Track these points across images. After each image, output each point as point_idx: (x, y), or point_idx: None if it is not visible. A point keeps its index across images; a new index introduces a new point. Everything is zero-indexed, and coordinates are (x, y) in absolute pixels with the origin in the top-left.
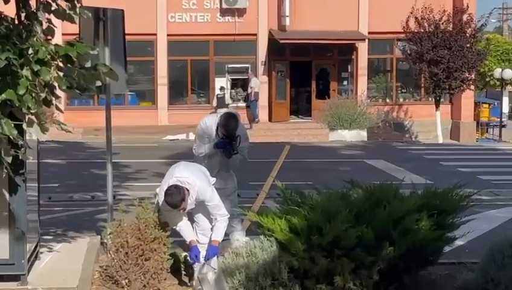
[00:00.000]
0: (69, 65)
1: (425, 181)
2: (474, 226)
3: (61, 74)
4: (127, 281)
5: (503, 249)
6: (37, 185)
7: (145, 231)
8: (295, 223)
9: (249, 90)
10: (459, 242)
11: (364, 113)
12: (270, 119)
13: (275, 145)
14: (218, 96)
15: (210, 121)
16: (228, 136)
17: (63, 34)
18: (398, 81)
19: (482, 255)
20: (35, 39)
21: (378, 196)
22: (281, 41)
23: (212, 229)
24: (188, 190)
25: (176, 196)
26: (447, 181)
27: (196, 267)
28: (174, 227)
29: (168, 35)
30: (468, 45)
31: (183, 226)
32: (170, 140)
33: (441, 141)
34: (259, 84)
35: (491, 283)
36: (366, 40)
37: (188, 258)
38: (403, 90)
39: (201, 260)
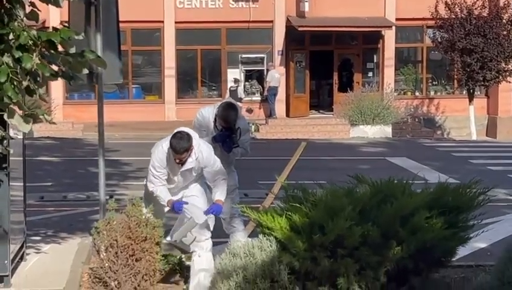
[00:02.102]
0: (52, 51)
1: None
2: (499, 228)
3: (45, 61)
4: (116, 283)
5: None
6: (22, 184)
7: (135, 229)
8: (296, 221)
9: (265, 84)
10: (481, 245)
11: (389, 108)
12: (287, 115)
13: (291, 142)
14: (231, 89)
15: (207, 113)
16: (227, 129)
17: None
18: (428, 73)
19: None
20: (16, 24)
21: (385, 193)
22: (300, 29)
23: (213, 190)
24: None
25: (184, 142)
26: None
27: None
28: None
29: (176, 22)
30: (504, 33)
31: (161, 189)
32: None
33: (474, 137)
34: (277, 77)
35: (507, 285)
36: (393, 28)
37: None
38: (434, 83)
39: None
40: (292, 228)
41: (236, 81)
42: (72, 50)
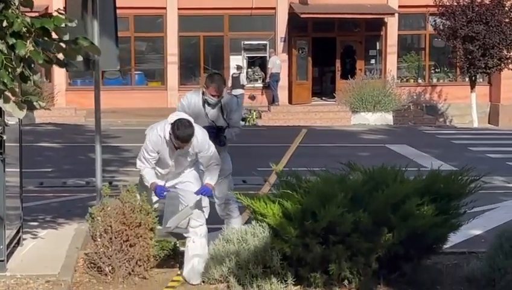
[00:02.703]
0: (46, 38)
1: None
2: (494, 215)
3: (39, 48)
4: (110, 268)
5: (511, 237)
6: (19, 170)
7: (130, 215)
8: (288, 207)
9: (267, 70)
10: (475, 232)
11: (390, 95)
12: (290, 101)
13: (291, 129)
14: (233, 75)
15: (193, 97)
16: (216, 127)
17: None
18: (431, 60)
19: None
20: (10, 11)
21: (377, 180)
22: (302, 16)
23: (205, 174)
24: None
25: (190, 129)
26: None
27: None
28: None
29: (178, 9)
30: (507, 20)
31: (148, 170)
32: None
33: (476, 125)
34: (278, 63)
35: (497, 272)
36: (396, 15)
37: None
38: (437, 70)
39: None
40: (284, 215)
41: (238, 68)
42: (66, 37)
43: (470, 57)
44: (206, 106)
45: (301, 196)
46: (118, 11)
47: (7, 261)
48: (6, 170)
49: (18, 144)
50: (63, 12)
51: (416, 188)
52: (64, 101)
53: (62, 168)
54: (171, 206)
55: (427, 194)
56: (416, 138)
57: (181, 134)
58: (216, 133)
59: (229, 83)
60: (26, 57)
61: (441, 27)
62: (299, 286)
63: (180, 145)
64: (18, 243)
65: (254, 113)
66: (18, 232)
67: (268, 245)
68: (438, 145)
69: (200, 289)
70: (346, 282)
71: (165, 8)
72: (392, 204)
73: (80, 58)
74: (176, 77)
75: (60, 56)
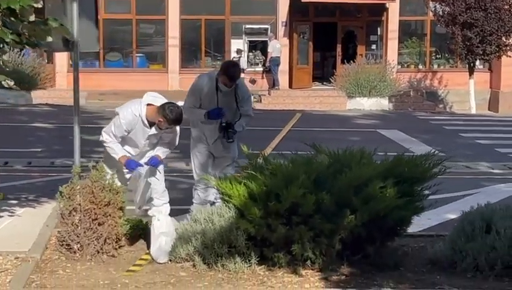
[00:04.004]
0: (12, 19)
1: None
2: (473, 200)
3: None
4: (79, 246)
5: (474, 220)
6: None
7: (99, 194)
8: (253, 188)
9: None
10: (451, 216)
11: (386, 80)
12: (290, 86)
13: (286, 113)
14: (234, 59)
15: (207, 81)
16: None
17: None
18: (432, 46)
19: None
20: None
21: (342, 162)
22: (303, 1)
23: (156, 148)
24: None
25: (180, 114)
26: (459, 153)
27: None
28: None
29: None
30: (506, 7)
31: (116, 144)
32: (181, 106)
33: (474, 111)
34: (278, 47)
35: (459, 254)
36: (398, 0)
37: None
38: (438, 56)
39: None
40: (250, 196)
41: (239, 51)
42: (32, 18)
43: (468, 43)
44: (218, 92)
45: (266, 177)
46: None
47: None
48: None
49: None
50: None
51: (378, 171)
52: (66, 83)
53: (52, 149)
54: (135, 183)
55: (391, 177)
56: (409, 124)
57: (175, 117)
58: (225, 129)
59: None
60: None
61: (441, 13)
62: (263, 266)
63: (167, 127)
64: None
65: (252, 97)
66: None
67: (233, 225)
68: (429, 131)
69: (167, 268)
70: (309, 263)
71: None
72: (354, 186)
73: (49, 38)
74: (177, 60)
75: None
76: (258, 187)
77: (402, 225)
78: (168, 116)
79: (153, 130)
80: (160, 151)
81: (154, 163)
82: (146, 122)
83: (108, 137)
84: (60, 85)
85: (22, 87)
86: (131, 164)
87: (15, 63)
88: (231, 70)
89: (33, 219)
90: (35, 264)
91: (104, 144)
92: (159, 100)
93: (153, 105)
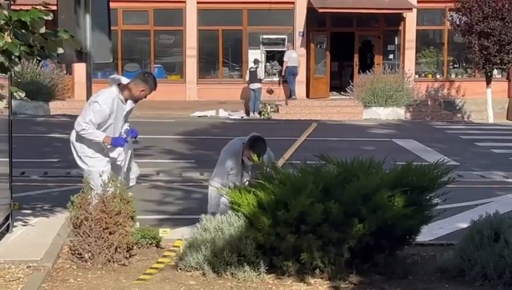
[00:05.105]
0: (23, 31)
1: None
2: (485, 209)
3: (17, 40)
4: (90, 254)
5: (482, 229)
6: (8, 159)
7: (109, 203)
8: (262, 197)
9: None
10: (462, 225)
11: (402, 90)
12: (307, 96)
13: (303, 123)
14: (251, 69)
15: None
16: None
17: None
18: (450, 55)
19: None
20: None
21: (350, 171)
22: (320, 11)
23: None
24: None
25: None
26: (474, 162)
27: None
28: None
29: (198, 2)
30: None
31: (95, 129)
32: (198, 116)
33: (491, 120)
34: (294, 57)
35: (467, 263)
36: (415, 10)
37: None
38: (455, 65)
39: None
40: (258, 205)
41: (256, 61)
42: (42, 30)
43: (485, 52)
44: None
45: (274, 186)
46: (138, 4)
47: None
48: (2, 160)
49: (8, 135)
50: (47, 6)
51: (386, 181)
52: (85, 94)
53: (68, 159)
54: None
55: (399, 186)
56: (425, 133)
57: (155, 82)
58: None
59: (247, 77)
60: (4, 48)
61: (458, 22)
62: (272, 274)
63: (147, 93)
64: (8, 229)
65: (269, 107)
66: (7, 219)
67: (243, 234)
68: (445, 140)
69: (177, 276)
70: (318, 271)
71: (184, 2)
72: (362, 195)
73: (60, 50)
74: (194, 71)
75: None
76: (267, 196)
77: (411, 234)
78: (150, 83)
79: (129, 104)
80: (128, 124)
81: (134, 134)
82: (123, 99)
83: (87, 125)
84: (79, 96)
85: (40, 98)
86: (119, 140)
87: (33, 74)
88: (257, 145)
89: (46, 228)
90: (47, 273)
91: (83, 132)
92: (123, 78)
93: (122, 84)
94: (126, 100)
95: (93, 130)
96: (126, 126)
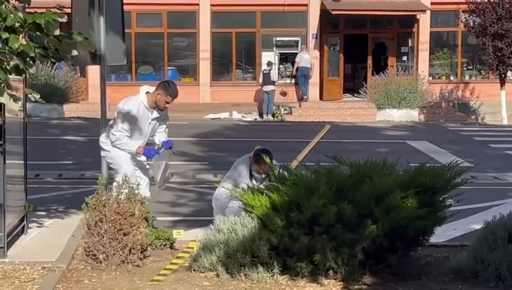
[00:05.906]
0: (38, 33)
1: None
2: (499, 211)
3: (32, 42)
4: (104, 255)
5: (496, 230)
6: (23, 161)
7: (124, 205)
8: (275, 199)
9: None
10: (476, 226)
11: (415, 91)
12: (321, 98)
13: (316, 125)
14: (264, 72)
15: (243, 169)
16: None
17: None
18: (464, 57)
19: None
20: (3, 6)
21: (364, 173)
22: (334, 13)
23: (159, 135)
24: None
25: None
26: (488, 164)
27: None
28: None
29: (211, 5)
30: None
31: (128, 139)
32: (212, 119)
33: (505, 122)
34: (306, 58)
35: (481, 264)
36: (428, 12)
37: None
38: (469, 67)
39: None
40: (272, 206)
41: (269, 64)
42: (57, 32)
43: (499, 54)
44: (253, 179)
45: (287, 188)
46: (151, 7)
47: (7, 248)
48: (17, 162)
49: (22, 137)
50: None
51: (399, 182)
52: (99, 96)
53: (82, 161)
54: (157, 167)
55: (412, 187)
56: (439, 135)
57: (174, 90)
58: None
59: (260, 79)
60: (19, 50)
61: (471, 24)
62: (285, 275)
63: (170, 102)
64: (22, 231)
65: (282, 109)
66: (22, 220)
67: (256, 235)
68: (459, 142)
69: (190, 277)
70: (331, 272)
71: (198, 5)
72: (375, 196)
73: (74, 52)
74: (208, 73)
75: None
76: (280, 197)
77: (424, 235)
78: (170, 90)
79: (155, 113)
80: (163, 134)
81: (169, 145)
82: (148, 106)
83: (120, 134)
84: (93, 98)
85: (54, 100)
86: (151, 151)
87: (48, 77)
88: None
89: (61, 229)
90: (62, 274)
91: (118, 143)
92: (152, 88)
93: (149, 92)
94: (152, 108)
95: (126, 140)
96: (163, 138)
